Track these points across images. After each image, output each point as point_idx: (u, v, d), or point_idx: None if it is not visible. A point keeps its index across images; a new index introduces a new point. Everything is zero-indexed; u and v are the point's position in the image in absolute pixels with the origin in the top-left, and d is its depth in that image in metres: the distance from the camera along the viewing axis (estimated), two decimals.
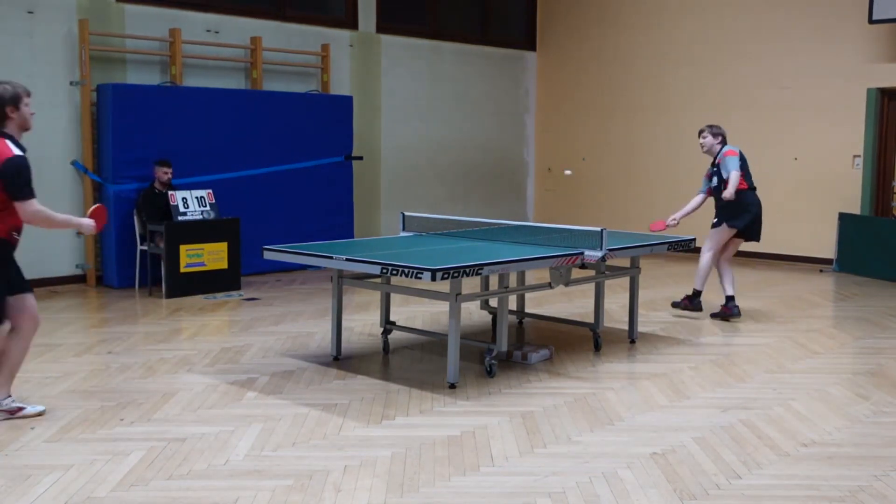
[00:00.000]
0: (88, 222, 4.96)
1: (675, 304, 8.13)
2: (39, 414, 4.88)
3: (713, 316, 7.98)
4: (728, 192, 7.54)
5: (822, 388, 5.61)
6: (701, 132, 8.01)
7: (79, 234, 4.97)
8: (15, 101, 4.64)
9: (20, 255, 9.44)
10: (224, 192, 9.52)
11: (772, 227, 11.56)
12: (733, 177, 7.59)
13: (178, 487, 3.92)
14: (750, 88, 11.77)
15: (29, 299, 4.87)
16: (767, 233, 11.69)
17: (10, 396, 4.85)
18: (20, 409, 4.85)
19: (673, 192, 12.32)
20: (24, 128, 4.73)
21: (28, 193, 4.57)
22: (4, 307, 4.71)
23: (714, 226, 7.90)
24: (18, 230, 4.81)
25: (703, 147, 7.99)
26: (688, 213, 8.00)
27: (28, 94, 4.74)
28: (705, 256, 7.92)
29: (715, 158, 7.90)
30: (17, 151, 4.58)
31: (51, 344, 6.64)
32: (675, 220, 7.87)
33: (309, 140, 10.58)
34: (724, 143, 7.91)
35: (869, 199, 10.99)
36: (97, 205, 5.16)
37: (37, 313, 4.88)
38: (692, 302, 8.01)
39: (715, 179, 7.88)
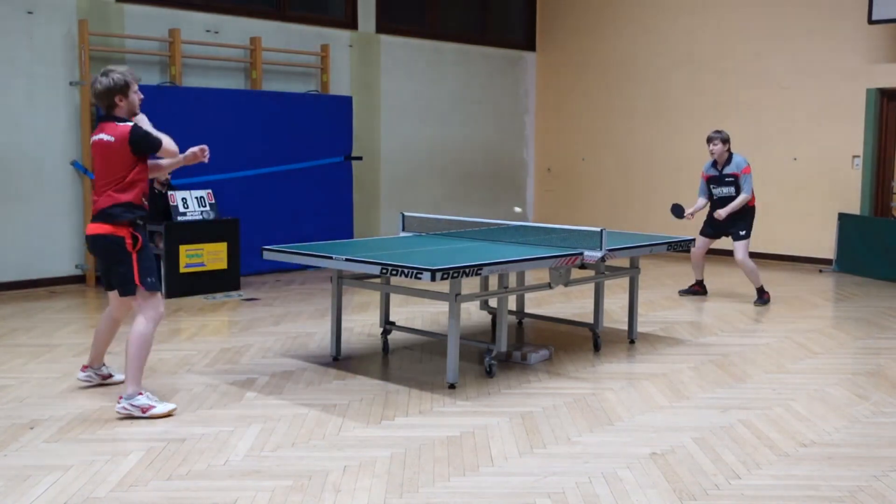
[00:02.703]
0: (192, 149, 5.17)
1: (756, 302, 8.57)
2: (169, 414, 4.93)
3: (682, 293, 9.05)
4: (724, 212, 8.39)
5: (822, 389, 5.61)
6: (711, 140, 8.47)
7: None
8: (124, 89, 4.90)
9: (20, 254, 9.45)
10: (224, 192, 9.52)
11: (772, 227, 11.63)
12: (743, 199, 8.39)
13: (178, 488, 3.92)
14: (750, 88, 11.77)
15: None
16: (767, 233, 11.80)
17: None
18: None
19: (673, 192, 12.32)
20: (133, 113, 4.98)
21: (158, 141, 4.93)
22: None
23: (743, 237, 8.49)
24: (146, 195, 5.06)
25: (712, 154, 8.47)
26: (698, 210, 8.71)
27: (137, 81, 4.99)
28: (748, 262, 8.52)
29: (724, 166, 8.49)
30: (130, 123, 4.90)
31: (51, 344, 6.64)
32: (691, 214, 8.64)
33: (309, 140, 10.58)
34: (730, 149, 8.51)
35: (868, 200, 10.99)
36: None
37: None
38: (762, 297, 8.58)
39: (726, 189, 8.51)
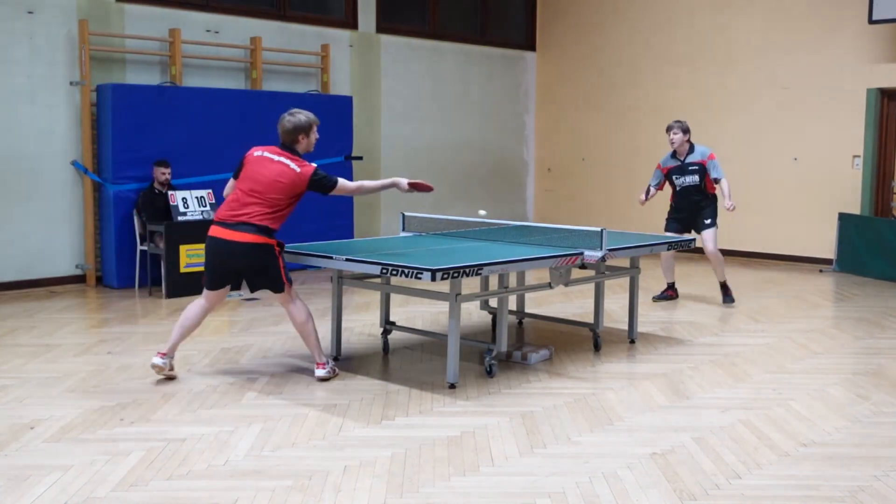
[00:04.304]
0: (403, 180, 5.71)
1: (726, 301, 8.57)
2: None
3: (656, 299, 8.70)
4: (731, 202, 8.29)
5: (822, 388, 5.61)
6: (671, 129, 8.38)
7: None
8: (307, 130, 5.52)
9: (20, 254, 9.46)
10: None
11: (772, 227, 11.64)
12: (725, 183, 8.36)
13: (178, 487, 3.92)
14: (750, 88, 11.77)
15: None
16: (767, 233, 11.80)
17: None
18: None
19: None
20: (308, 151, 5.59)
21: (334, 182, 5.49)
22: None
23: (710, 226, 8.42)
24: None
25: (672, 143, 8.38)
26: (651, 196, 8.66)
27: (317, 124, 5.60)
28: (718, 253, 8.49)
29: (686, 156, 8.42)
30: (312, 164, 5.50)
31: (51, 344, 6.64)
32: (643, 199, 8.60)
33: None
34: (690, 139, 8.42)
35: (869, 200, 10.99)
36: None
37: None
38: (728, 294, 8.59)
39: (690, 178, 8.42)
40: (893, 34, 10.61)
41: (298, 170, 5.42)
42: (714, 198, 8.50)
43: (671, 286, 8.82)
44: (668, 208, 8.72)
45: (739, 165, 11.91)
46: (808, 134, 11.34)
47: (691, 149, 8.40)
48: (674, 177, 8.47)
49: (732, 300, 8.52)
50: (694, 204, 8.43)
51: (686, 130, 8.34)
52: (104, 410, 5.00)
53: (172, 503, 3.77)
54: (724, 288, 8.58)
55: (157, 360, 5.56)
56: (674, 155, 8.46)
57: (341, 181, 5.53)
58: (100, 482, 3.96)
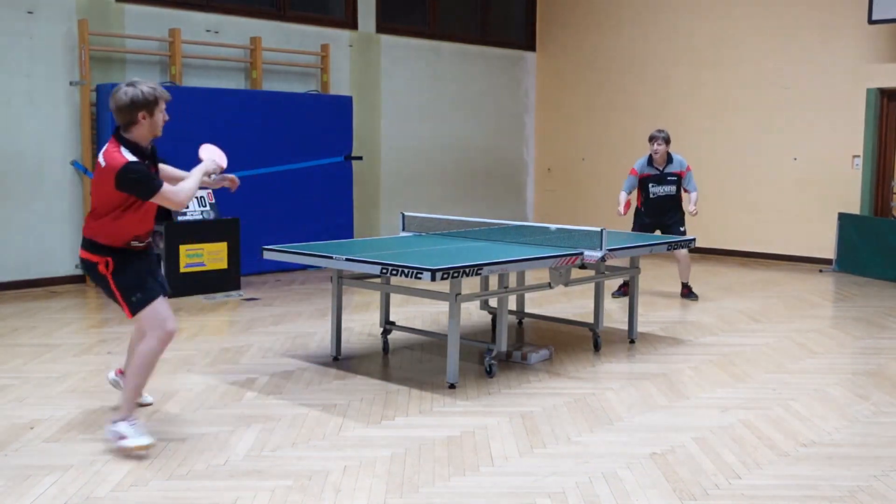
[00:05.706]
0: (205, 168, 4.49)
1: (691, 297, 8.76)
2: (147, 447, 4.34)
3: (615, 295, 8.77)
4: (695, 208, 8.45)
5: (822, 389, 5.61)
6: (655, 139, 8.41)
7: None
8: (150, 105, 4.32)
9: (20, 254, 9.45)
10: (224, 193, 9.47)
11: (772, 227, 11.63)
12: (697, 196, 8.55)
13: (178, 487, 3.92)
14: (750, 88, 11.77)
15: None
16: (767, 233, 11.79)
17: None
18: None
19: None
20: (154, 134, 4.42)
21: (155, 188, 4.29)
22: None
23: (684, 232, 8.51)
24: (139, 238, 4.49)
25: (656, 153, 8.42)
26: (625, 205, 8.59)
27: (166, 100, 4.40)
28: (688, 257, 8.73)
29: (666, 166, 8.49)
30: (130, 157, 4.28)
31: (51, 344, 6.64)
32: (622, 212, 8.56)
33: (309, 140, 10.58)
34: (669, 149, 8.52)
35: (868, 200, 10.99)
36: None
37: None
38: (692, 291, 8.82)
39: (667, 188, 8.50)
40: (893, 34, 10.61)
41: (104, 164, 4.28)
42: (681, 203, 8.64)
43: (627, 283, 8.46)
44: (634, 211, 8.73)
45: (739, 165, 11.92)
46: (808, 134, 11.34)
47: (670, 158, 8.50)
48: (650, 185, 8.53)
49: (695, 297, 8.73)
50: (665, 210, 8.55)
51: (668, 141, 8.42)
52: (104, 410, 4.99)
53: (172, 503, 3.77)
54: (689, 286, 8.83)
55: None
56: (650, 162, 8.51)
57: (165, 187, 4.31)
58: (100, 482, 3.96)
